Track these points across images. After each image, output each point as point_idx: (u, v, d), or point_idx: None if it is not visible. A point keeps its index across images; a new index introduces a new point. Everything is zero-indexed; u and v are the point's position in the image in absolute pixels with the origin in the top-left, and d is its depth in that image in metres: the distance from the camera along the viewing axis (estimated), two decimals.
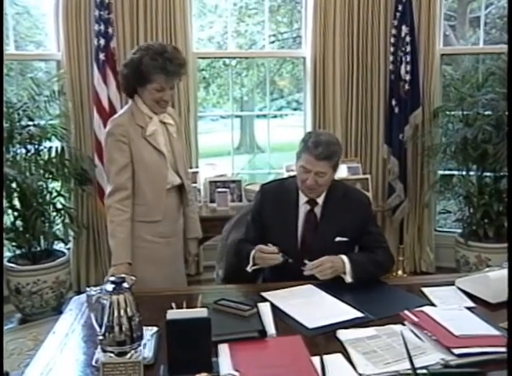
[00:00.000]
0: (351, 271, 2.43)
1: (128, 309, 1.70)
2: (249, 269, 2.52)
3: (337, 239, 2.58)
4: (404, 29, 4.64)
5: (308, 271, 2.41)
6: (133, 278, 1.80)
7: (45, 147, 4.36)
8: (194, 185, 4.41)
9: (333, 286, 2.40)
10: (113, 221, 2.61)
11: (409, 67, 4.66)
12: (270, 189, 2.74)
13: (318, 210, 2.62)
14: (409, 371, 1.66)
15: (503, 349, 1.72)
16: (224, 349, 1.85)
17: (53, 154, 4.36)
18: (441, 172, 5.04)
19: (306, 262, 2.43)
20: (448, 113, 4.77)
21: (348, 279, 2.44)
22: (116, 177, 2.63)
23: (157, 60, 2.59)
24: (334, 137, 2.66)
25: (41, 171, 4.32)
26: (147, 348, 1.83)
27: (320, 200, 2.61)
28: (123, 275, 1.84)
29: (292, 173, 3.11)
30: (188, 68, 2.82)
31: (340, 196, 2.64)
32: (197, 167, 4.93)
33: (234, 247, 2.77)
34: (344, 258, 2.46)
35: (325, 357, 1.74)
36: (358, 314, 2.14)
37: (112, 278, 1.76)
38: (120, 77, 2.77)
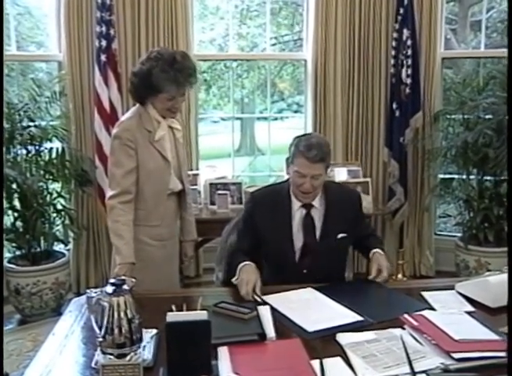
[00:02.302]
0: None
1: (128, 311, 1.70)
2: (234, 281, 2.48)
3: (339, 236, 2.61)
4: (405, 32, 4.64)
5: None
6: (133, 280, 1.80)
7: (46, 148, 4.36)
8: (194, 187, 4.41)
9: (333, 289, 2.41)
10: (119, 220, 2.60)
11: (410, 71, 4.66)
12: (261, 197, 2.73)
13: (315, 213, 2.62)
14: (409, 375, 1.66)
15: (503, 354, 1.72)
16: (223, 352, 1.84)
17: (54, 155, 4.36)
18: (441, 176, 5.04)
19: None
20: (448, 116, 4.78)
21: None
22: (122, 180, 2.62)
23: (168, 72, 2.57)
24: (323, 138, 2.74)
25: (42, 172, 4.33)
26: (147, 351, 1.83)
27: (317, 203, 2.62)
28: (123, 277, 1.84)
29: (284, 178, 3.12)
30: (198, 75, 2.79)
31: (336, 194, 2.66)
32: (198, 169, 4.92)
33: (229, 255, 2.78)
34: (379, 253, 2.58)
35: (324, 361, 1.75)
36: (358, 317, 2.14)
37: (112, 280, 1.76)
38: (129, 84, 2.75)
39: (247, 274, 2.42)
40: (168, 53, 2.67)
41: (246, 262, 2.50)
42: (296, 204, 2.62)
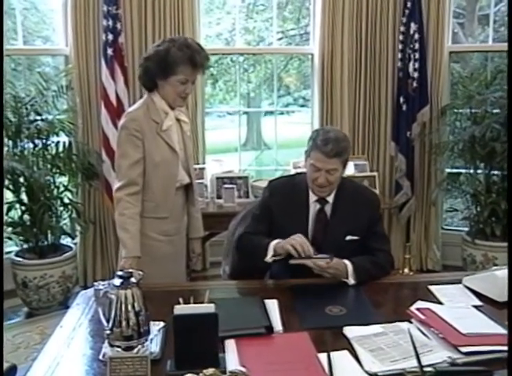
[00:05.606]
0: (354, 274, 2.43)
1: (136, 304, 1.70)
2: (269, 259, 2.46)
3: (348, 238, 2.57)
4: (412, 26, 4.62)
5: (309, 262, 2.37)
6: (140, 273, 1.80)
7: (53, 142, 4.37)
8: (201, 181, 4.41)
9: None
10: (125, 213, 2.59)
11: (417, 65, 4.65)
12: (278, 186, 2.71)
13: (328, 209, 2.60)
14: (416, 369, 1.66)
15: None
16: (231, 345, 1.85)
17: (61, 149, 4.37)
18: (448, 170, 5.02)
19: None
20: (456, 111, 4.76)
21: (351, 281, 2.43)
22: (128, 171, 2.62)
23: (185, 51, 2.58)
24: (342, 133, 2.65)
25: (49, 166, 4.33)
26: (154, 343, 1.83)
27: (330, 199, 2.59)
28: (131, 270, 1.84)
29: (300, 170, 3.08)
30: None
31: (350, 193, 2.62)
32: (204, 163, 4.92)
33: (238, 241, 2.72)
34: (347, 262, 2.44)
35: (332, 354, 1.75)
36: None
37: (120, 273, 1.76)
38: (140, 70, 2.72)
39: (291, 240, 2.40)
40: (183, 38, 2.75)
41: (276, 240, 2.47)
42: (312, 199, 2.60)
